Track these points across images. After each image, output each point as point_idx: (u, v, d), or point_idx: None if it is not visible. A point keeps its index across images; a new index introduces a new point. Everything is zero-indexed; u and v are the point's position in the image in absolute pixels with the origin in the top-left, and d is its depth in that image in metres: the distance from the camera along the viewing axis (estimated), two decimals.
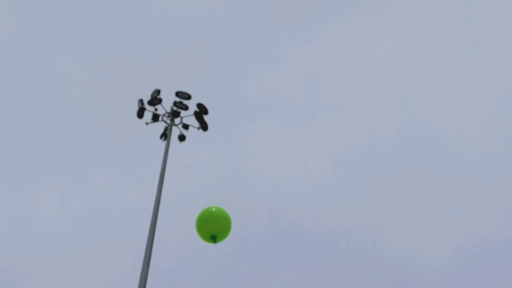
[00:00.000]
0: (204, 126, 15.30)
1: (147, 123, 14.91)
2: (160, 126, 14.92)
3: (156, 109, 14.84)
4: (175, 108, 15.01)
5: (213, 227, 6.82)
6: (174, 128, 14.85)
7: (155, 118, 14.88)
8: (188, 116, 15.20)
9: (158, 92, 14.88)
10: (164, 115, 14.93)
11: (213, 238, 6.73)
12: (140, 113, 14.83)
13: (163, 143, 14.34)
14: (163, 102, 14.89)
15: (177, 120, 15.03)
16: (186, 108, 15.08)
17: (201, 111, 15.18)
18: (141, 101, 14.87)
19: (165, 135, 14.59)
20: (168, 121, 14.89)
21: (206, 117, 15.30)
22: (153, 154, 13.95)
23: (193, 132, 15.23)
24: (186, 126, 15.17)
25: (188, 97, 15.09)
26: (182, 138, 15.15)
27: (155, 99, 14.80)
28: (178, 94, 15.01)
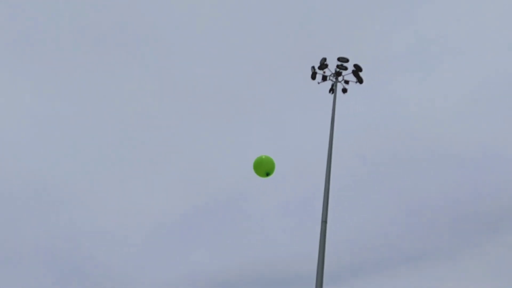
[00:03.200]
0: (360, 80, 20.62)
1: (318, 83, 20.68)
2: (328, 84, 20.64)
3: (324, 72, 20.53)
4: (337, 69, 20.54)
5: (265, 168, 10.37)
6: (338, 84, 20.46)
7: (324, 78, 20.58)
8: (348, 74, 20.64)
9: (324, 59, 20.51)
10: (330, 75, 20.57)
11: (267, 174, 10.41)
12: (313, 76, 20.65)
13: (331, 96, 20.01)
14: (330, 67, 20.52)
15: (340, 78, 20.59)
16: (346, 68, 20.49)
17: (357, 69, 20.48)
18: (313, 67, 20.64)
19: (332, 90, 20.25)
20: (334, 79, 20.52)
21: (361, 74, 20.61)
22: (325, 105, 19.69)
23: (352, 86, 20.69)
24: (347, 82, 20.66)
25: (347, 60, 20.47)
26: (344, 91, 20.67)
27: (323, 65, 20.46)
28: (339, 59, 20.45)
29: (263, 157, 10.01)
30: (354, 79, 20.59)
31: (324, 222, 15.68)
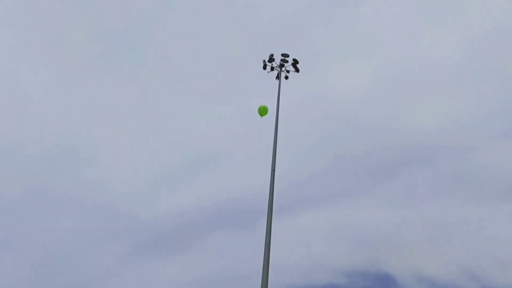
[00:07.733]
0: (297, 70, 28.81)
1: (268, 72, 28.73)
2: (274, 73, 28.72)
3: (272, 64, 28.57)
4: (282, 62, 28.62)
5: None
6: (282, 73, 28.56)
7: (272, 69, 28.65)
8: (288, 66, 28.76)
9: (272, 55, 28.54)
10: (276, 66, 28.62)
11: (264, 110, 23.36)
12: (264, 67, 28.65)
13: (277, 82, 28.14)
14: (276, 60, 28.57)
15: (283, 69, 28.68)
16: (287, 62, 28.60)
17: (295, 62, 28.61)
18: (264, 61, 28.64)
19: (278, 77, 28.33)
20: (279, 69, 28.59)
21: (298, 65, 28.77)
22: (272, 88, 27.87)
23: (292, 74, 28.87)
24: (288, 71, 28.79)
25: (287, 55, 28.58)
26: (286, 78, 28.78)
27: (271, 59, 28.49)
28: (282, 55, 28.53)
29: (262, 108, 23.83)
30: (293, 69, 28.73)
31: (273, 170, 23.86)
